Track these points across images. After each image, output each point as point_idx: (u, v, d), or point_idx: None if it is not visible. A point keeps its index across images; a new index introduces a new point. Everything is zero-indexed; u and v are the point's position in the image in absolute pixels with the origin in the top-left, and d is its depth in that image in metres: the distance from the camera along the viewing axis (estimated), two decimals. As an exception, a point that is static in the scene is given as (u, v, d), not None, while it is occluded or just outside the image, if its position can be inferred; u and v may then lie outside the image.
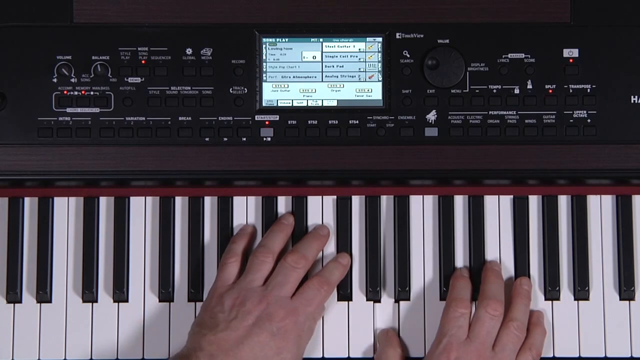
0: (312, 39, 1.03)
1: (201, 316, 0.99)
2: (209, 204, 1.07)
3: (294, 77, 1.03)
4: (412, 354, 1.04)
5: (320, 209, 1.07)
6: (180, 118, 1.02)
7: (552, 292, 1.05)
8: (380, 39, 1.03)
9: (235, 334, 0.94)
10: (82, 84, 1.02)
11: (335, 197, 1.07)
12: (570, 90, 1.02)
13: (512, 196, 1.07)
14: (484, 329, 0.98)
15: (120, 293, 1.04)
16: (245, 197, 1.07)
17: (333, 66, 1.03)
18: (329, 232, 1.06)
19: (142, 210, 1.07)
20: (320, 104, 1.03)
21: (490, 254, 1.06)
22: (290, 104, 1.03)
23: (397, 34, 1.03)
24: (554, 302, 1.05)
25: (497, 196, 1.07)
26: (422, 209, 1.07)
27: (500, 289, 1.02)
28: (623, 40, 1.02)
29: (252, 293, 0.98)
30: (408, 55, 1.02)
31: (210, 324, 0.96)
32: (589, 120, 1.02)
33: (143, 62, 1.02)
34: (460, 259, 1.06)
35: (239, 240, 1.04)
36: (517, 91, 1.02)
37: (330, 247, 1.06)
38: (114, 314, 1.05)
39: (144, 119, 1.02)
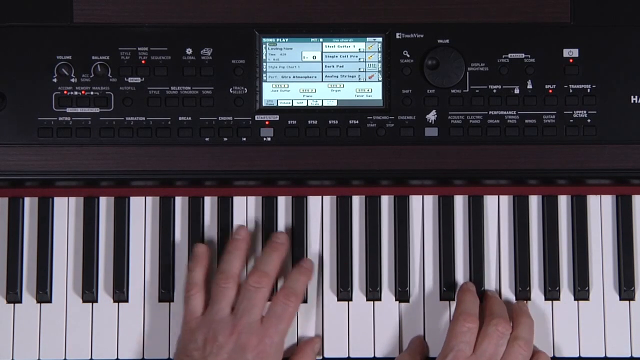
0: (312, 39, 1.03)
1: (178, 355, 0.98)
2: (209, 204, 1.07)
3: (294, 77, 1.03)
4: (412, 354, 1.05)
5: (320, 209, 1.07)
6: (180, 118, 1.02)
7: (552, 292, 1.05)
8: (380, 39, 1.03)
9: None
10: (82, 84, 1.02)
11: (335, 197, 1.07)
12: (570, 90, 1.02)
13: (512, 196, 1.07)
14: (491, 346, 0.97)
15: (120, 293, 1.04)
16: (245, 197, 1.07)
17: (333, 66, 1.03)
18: (286, 239, 1.04)
19: (142, 210, 1.07)
20: (320, 104, 1.03)
21: (491, 254, 1.06)
22: (290, 104, 1.03)
23: (397, 34, 1.03)
24: (554, 302, 1.05)
25: (497, 196, 1.07)
26: (422, 209, 1.07)
27: (505, 310, 1.01)
28: (623, 40, 1.02)
29: (222, 325, 0.96)
30: (408, 55, 1.02)
31: None
32: (589, 120, 1.02)
33: (143, 62, 1.02)
34: (460, 259, 1.06)
35: (194, 267, 1.02)
36: (517, 91, 1.02)
37: (331, 247, 1.06)
38: (114, 314, 1.05)
39: (144, 119, 1.02)
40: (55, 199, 1.06)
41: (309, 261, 1.04)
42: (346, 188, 1.06)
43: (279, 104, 1.03)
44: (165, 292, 1.05)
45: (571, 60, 1.02)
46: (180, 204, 1.07)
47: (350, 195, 1.07)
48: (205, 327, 0.97)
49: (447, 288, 1.05)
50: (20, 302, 1.05)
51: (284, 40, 1.03)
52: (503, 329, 0.98)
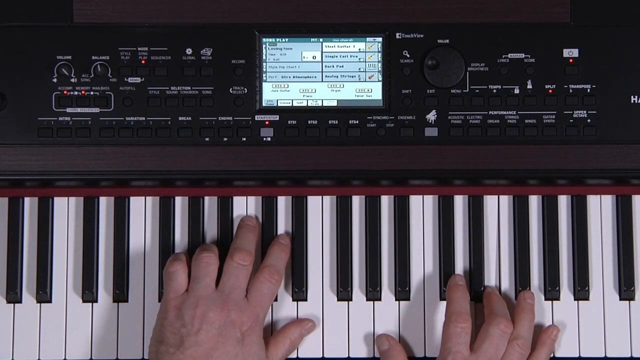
0: (312, 39, 1.03)
1: (162, 332, 0.97)
2: (209, 204, 1.07)
3: (294, 77, 1.03)
4: (413, 354, 1.04)
5: (320, 209, 1.07)
6: (180, 118, 1.02)
7: (552, 292, 1.05)
8: (380, 39, 1.03)
9: (202, 348, 0.94)
10: (82, 84, 1.02)
11: (335, 197, 1.07)
12: (570, 90, 1.02)
13: (512, 196, 1.07)
14: (493, 346, 0.98)
15: (120, 293, 1.04)
16: (245, 197, 1.07)
17: (333, 66, 1.03)
18: (256, 221, 1.05)
19: (142, 210, 1.07)
20: (320, 104, 1.03)
21: (490, 254, 1.06)
22: (290, 104, 1.03)
23: (397, 34, 1.03)
24: (554, 302, 1.05)
25: (497, 196, 1.07)
26: (422, 209, 1.07)
27: (506, 308, 1.02)
28: (623, 40, 1.02)
29: (212, 302, 0.97)
30: (408, 55, 1.02)
31: (174, 340, 0.95)
32: (589, 120, 1.02)
33: (143, 62, 1.02)
34: (460, 259, 1.06)
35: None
36: (517, 91, 1.02)
37: (331, 247, 1.06)
38: (114, 314, 1.05)
39: (144, 119, 1.02)
40: (55, 199, 1.06)
41: (286, 237, 1.05)
42: (346, 188, 1.06)
43: (279, 104, 1.03)
44: (165, 292, 1.05)
45: (571, 60, 1.02)
46: (180, 204, 1.07)
47: (350, 195, 1.06)
48: (192, 304, 0.97)
49: (447, 288, 1.05)
50: (20, 302, 1.05)
51: (284, 40, 1.03)
52: (505, 327, 0.98)
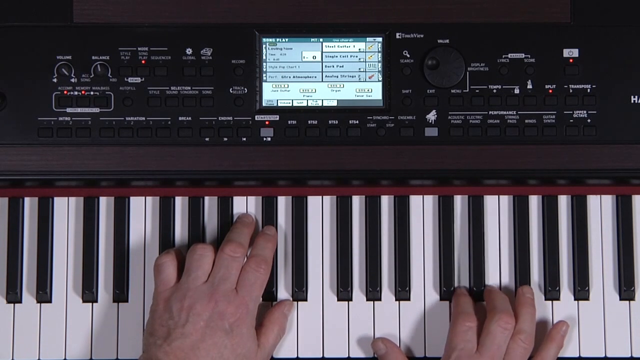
0: (312, 39, 1.03)
1: (152, 324, 0.97)
2: (209, 204, 1.07)
3: (294, 77, 1.03)
4: (413, 354, 1.04)
5: (320, 209, 1.07)
6: (180, 118, 1.02)
7: (552, 292, 1.05)
8: (380, 39, 1.03)
9: (189, 340, 0.94)
10: (82, 84, 1.02)
11: (335, 197, 1.07)
12: (570, 90, 1.02)
13: (512, 196, 1.07)
14: (495, 343, 0.98)
15: (120, 293, 1.04)
16: (245, 197, 1.07)
17: (333, 66, 1.03)
18: (253, 219, 1.06)
19: (142, 210, 1.07)
20: (320, 104, 1.03)
21: (490, 253, 1.06)
22: (290, 104, 1.03)
23: (397, 34, 1.03)
24: (554, 302, 1.05)
25: (497, 196, 1.07)
26: (422, 209, 1.07)
27: (508, 303, 1.02)
28: (623, 40, 1.02)
29: (200, 293, 0.97)
30: (408, 55, 1.02)
31: (162, 333, 0.95)
32: (589, 120, 1.02)
33: (143, 62, 1.02)
34: (461, 259, 1.06)
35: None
36: (517, 91, 1.02)
37: (331, 247, 1.06)
38: (114, 314, 1.05)
39: (144, 119, 1.02)
40: (55, 199, 1.06)
41: (272, 228, 1.05)
42: (346, 188, 1.06)
43: (279, 104, 1.03)
44: (165, 292, 1.04)
45: (571, 60, 1.02)
46: (180, 204, 1.07)
47: (350, 195, 1.07)
48: (181, 296, 0.97)
49: (447, 288, 1.05)
50: (20, 302, 1.05)
51: (284, 40, 1.03)
52: (505, 324, 0.98)
